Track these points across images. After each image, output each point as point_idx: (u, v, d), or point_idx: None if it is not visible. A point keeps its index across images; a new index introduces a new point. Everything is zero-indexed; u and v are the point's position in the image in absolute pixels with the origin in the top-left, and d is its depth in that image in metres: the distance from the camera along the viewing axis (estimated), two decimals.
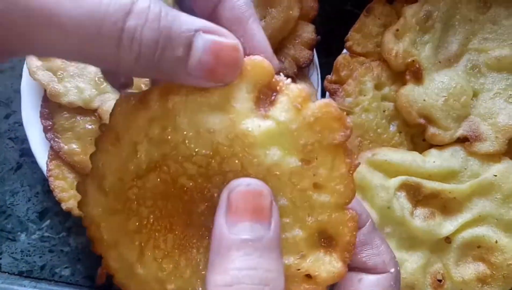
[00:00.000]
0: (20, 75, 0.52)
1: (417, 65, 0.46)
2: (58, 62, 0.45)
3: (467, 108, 0.46)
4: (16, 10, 0.17)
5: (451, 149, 0.45)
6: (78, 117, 0.45)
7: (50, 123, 0.45)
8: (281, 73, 0.23)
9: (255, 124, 0.22)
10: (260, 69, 0.22)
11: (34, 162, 0.50)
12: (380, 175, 0.43)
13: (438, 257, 0.44)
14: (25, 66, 0.47)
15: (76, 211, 0.43)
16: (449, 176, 0.44)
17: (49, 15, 0.18)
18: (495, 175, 0.43)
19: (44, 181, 0.50)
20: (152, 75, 0.22)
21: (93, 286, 0.47)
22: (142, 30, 0.19)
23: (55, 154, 0.45)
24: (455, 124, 0.45)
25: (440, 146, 0.45)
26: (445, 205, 0.44)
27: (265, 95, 0.22)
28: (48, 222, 0.49)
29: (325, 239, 0.23)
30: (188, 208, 0.23)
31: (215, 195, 0.23)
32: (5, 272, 0.48)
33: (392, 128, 0.47)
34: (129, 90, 0.24)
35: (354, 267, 0.25)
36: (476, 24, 0.47)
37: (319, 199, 0.22)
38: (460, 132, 0.45)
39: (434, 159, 0.44)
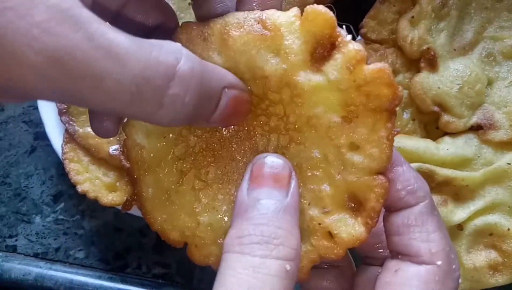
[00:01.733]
0: None
1: (432, 53, 0.45)
2: None
3: (481, 96, 0.46)
4: (66, 77, 0.17)
5: (465, 137, 0.45)
6: None
7: (65, 106, 0.45)
8: (343, 26, 0.23)
9: (306, 78, 0.22)
10: (322, 21, 0.22)
11: (48, 145, 0.50)
12: None
13: None
14: None
15: (91, 194, 0.43)
16: (462, 163, 0.44)
17: (97, 80, 0.18)
18: (509, 163, 0.43)
19: (58, 164, 0.50)
20: (176, 124, 0.22)
21: (106, 268, 0.48)
22: (186, 95, 0.19)
23: (70, 137, 0.45)
24: (469, 112, 0.45)
25: (454, 133, 0.46)
26: (457, 193, 0.44)
27: (322, 48, 0.22)
28: (62, 205, 0.50)
29: (354, 203, 0.23)
30: (233, 145, 0.24)
31: (259, 134, 0.24)
32: (21, 254, 0.48)
33: (406, 115, 0.47)
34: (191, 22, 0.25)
35: (395, 253, 0.23)
36: (492, 12, 0.47)
37: (352, 159, 0.22)
38: (474, 120, 0.45)
39: (447, 147, 0.44)
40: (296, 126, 0.23)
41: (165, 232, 0.24)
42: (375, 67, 0.22)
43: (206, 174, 0.24)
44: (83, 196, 0.44)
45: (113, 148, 0.44)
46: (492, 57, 0.47)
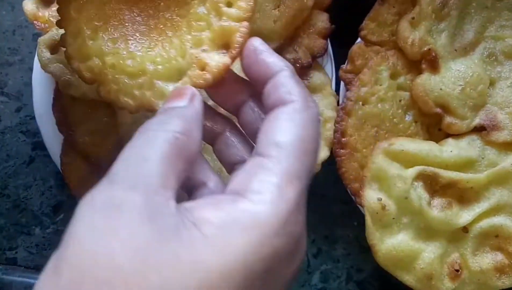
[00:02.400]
0: (30, 68, 0.52)
1: (433, 54, 0.45)
2: None
3: (484, 97, 0.45)
4: None
5: (468, 138, 0.45)
6: (91, 110, 0.45)
7: (63, 116, 0.45)
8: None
9: None
10: None
11: (46, 155, 0.50)
12: (397, 165, 0.43)
13: (455, 247, 0.44)
14: (35, 59, 0.46)
15: None
16: (466, 165, 0.44)
17: None
18: None
19: (57, 174, 0.50)
20: None
21: None
22: None
23: (68, 147, 0.44)
24: (472, 113, 0.45)
25: (457, 135, 0.45)
26: (462, 195, 0.44)
27: None
28: (62, 215, 0.49)
29: (225, 44, 0.31)
30: (139, 10, 0.33)
31: (162, 3, 0.33)
32: (21, 266, 0.48)
33: (408, 117, 0.46)
34: None
35: (269, 107, 0.27)
36: (493, 11, 0.47)
37: (227, 11, 0.31)
38: (477, 121, 0.45)
39: (451, 149, 0.44)
40: None
41: (80, 71, 0.32)
42: None
43: (114, 29, 0.33)
44: None
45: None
46: (494, 57, 0.46)
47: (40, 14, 0.46)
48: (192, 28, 0.33)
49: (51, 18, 0.46)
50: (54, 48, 0.45)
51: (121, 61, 0.32)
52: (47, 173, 0.50)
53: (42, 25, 0.46)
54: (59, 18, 0.33)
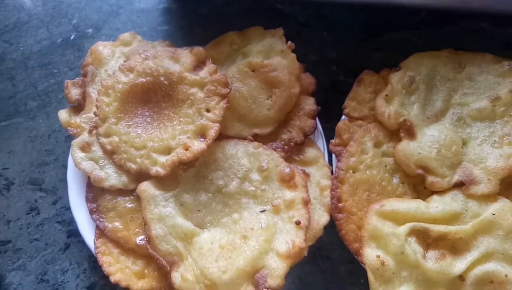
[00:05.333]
0: (63, 165, 0.59)
1: (408, 123, 0.52)
2: (99, 153, 0.52)
3: (459, 156, 0.51)
4: None
5: (451, 194, 0.50)
6: (119, 198, 0.51)
7: (95, 205, 0.51)
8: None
9: (190, 75, 0.54)
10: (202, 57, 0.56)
11: (80, 241, 0.55)
12: (390, 224, 0.48)
13: None
14: (69, 158, 0.54)
15: (122, 283, 0.48)
16: (452, 218, 0.49)
17: None
18: (494, 214, 0.48)
19: (89, 257, 0.55)
20: None
21: None
22: None
23: (100, 232, 0.50)
24: (450, 171, 0.51)
25: (441, 192, 0.50)
26: (453, 246, 0.48)
27: (199, 65, 0.55)
28: None
29: (203, 135, 0.50)
30: (150, 106, 0.53)
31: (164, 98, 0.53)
32: None
33: (395, 180, 0.52)
34: None
35: None
36: (455, 82, 0.54)
37: (206, 114, 0.51)
38: (456, 178, 0.50)
39: (436, 205, 0.49)
40: (180, 99, 0.52)
41: (104, 145, 0.51)
42: (219, 75, 0.53)
43: (130, 119, 0.53)
44: (114, 286, 0.48)
45: (140, 239, 0.49)
46: (462, 120, 0.53)
47: (72, 121, 0.55)
48: (181, 122, 0.51)
49: (82, 124, 0.54)
50: (85, 148, 0.53)
51: (131, 139, 0.51)
52: (81, 257, 0.55)
53: (75, 130, 0.54)
54: (96, 109, 0.53)
